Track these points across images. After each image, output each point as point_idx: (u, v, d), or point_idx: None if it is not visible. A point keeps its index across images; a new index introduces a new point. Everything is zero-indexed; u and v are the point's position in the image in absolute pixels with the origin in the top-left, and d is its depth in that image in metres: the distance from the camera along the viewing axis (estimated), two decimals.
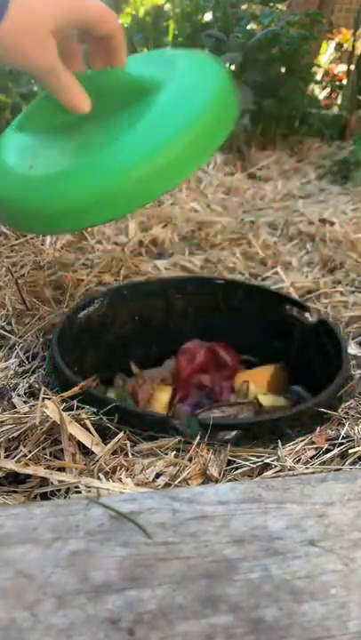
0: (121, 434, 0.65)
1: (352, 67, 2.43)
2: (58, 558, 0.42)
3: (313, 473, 0.63)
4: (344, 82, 2.60)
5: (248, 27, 2.20)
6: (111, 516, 0.46)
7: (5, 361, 0.84)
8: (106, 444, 0.64)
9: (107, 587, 0.40)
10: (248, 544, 0.44)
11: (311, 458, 0.66)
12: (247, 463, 0.65)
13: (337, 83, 2.67)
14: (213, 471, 0.61)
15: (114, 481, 0.58)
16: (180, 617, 0.38)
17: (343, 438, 0.69)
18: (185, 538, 0.44)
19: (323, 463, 0.65)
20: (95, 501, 0.47)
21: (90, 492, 0.56)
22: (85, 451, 0.64)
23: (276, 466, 0.64)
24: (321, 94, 2.71)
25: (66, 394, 0.70)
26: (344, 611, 0.40)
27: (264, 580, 0.41)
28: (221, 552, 0.43)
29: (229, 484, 0.51)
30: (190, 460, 0.63)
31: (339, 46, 3.20)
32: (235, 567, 0.42)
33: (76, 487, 0.57)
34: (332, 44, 3.20)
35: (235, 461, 0.65)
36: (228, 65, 2.13)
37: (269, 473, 0.64)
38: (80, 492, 0.56)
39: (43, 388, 0.74)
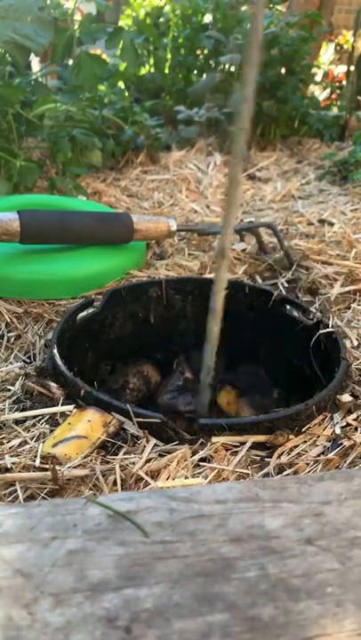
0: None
1: (352, 67, 2.43)
2: (55, 557, 0.42)
3: (310, 472, 0.63)
4: (344, 83, 2.61)
5: (247, 28, 2.20)
6: (109, 515, 0.46)
7: (5, 361, 0.84)
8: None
9: (104, 585, 0.40)
10: (245, 543, 0.44)
11: (309, 456, 0.66)
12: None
13: (337, 84, 2.67)
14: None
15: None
16: (177, 615, 0.38)
17: (342, 438, 0.69)
18: (182, 537, 0.44)
19: (320, 462, 0.65)
20: (93, 501, 0.47)
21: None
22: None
23: (274, 464, 0.64)
24: (321, 95, 2.71)
25: None
26: (340, 609, 0.40)
27: (261, 578, 0.41)
28: (218, 551, 0.43)
29: (227, 483, 0.51)
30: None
31: (339, 47, 3.20)
32: (232, 566, 0.42)
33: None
34: (332, 46, 3.20)
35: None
36: (227, 66, 2.14)
37: (267, 471, 0.64)
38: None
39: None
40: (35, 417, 0.71)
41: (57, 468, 0.60)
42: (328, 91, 2.69)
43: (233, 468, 0.63)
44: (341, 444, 0.68)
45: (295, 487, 0.50)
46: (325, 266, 1.16)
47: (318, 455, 0.66)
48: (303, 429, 0.70)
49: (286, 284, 1.11)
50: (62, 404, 0.73)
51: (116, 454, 0.65)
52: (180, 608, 0.39)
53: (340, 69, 2.98)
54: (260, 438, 0.68)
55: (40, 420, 0.71)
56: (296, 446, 0.68)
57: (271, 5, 2.30)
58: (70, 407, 0.71)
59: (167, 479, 0.61)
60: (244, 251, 1.25)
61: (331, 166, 1.87)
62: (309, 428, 0.71)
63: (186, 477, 0.61)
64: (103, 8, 1.71)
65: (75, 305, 0.93)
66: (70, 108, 1.58)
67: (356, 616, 0.39)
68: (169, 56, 2.34)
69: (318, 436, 0.70)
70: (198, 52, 2.33)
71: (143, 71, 2.39)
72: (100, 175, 1.73)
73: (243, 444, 0.67)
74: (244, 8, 2.34)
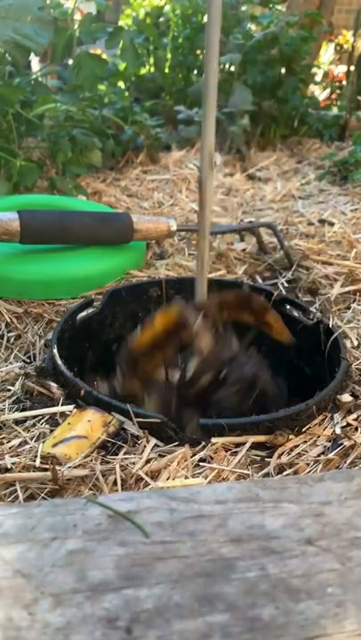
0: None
1: (352, 67, 2.43)
2: (56, 557, 0.42)
3: (310, 472, 0.63)
4: (344, 83, 2.61)
5: (247, 27, 2.20)
6: (109, 515, 0.46)
7: (5, 361, 0.84)
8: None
9: (104, 586, 0.40)
10: (245, 543, 0.44)
11: (309, 457, 0.66)
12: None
13: (337, 84, 2.67)
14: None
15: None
16: (177, 615, 0.38)
17: (342, 438, 0.69)
18: (182, 537, 0.44)
19: (321, 462, 0.65)
20: (93, 501, 0.47)
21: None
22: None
23: (274, 464, 0.64)
24: (321, 95, 2.71)
25: None
26: (340, 609, 0.40)
27: (261, 578, 0.41)
28: (219, 551, 0.43)
29: (227, 483, 0.51)
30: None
31: (339, 47, 3.20)
32: (232, 566, 0.42)
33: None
34: (332, 46, 3.20)
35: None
36: (227, 65, 2.14)
37: (267, 471, 0.64)
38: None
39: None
40: (35, 417, 0.71)
41: (57, 468, 0.60)
42: (328, 91, 2.69)
43: (233, 469, 0.63)
44: (342, 444, 0.68)
45: (295, 487, 0.50)
46: (325, 266, 1.16)
47: (318, 455, 0.66)
48: (303, 429, 0.70)
49: (286, 284, 1.11)
50: (62, 404, 0.73)
51: (116, 454, 0.65)
52: (180, 608, 0.39)
53: (341, 69, 2.98)
54: (261, 438, 0.68)
55: (40, 419, 0.71)
56: (296, 446, 0.68)
57: (271, 5, 2.30)
58: (70, 407, 0.71)
59: (167, 479, 0.61)
60: (244, 251, 1.25)
61: (331, 166, 1.87)
62: (310, 427, 0.71)
63: (186, 477, 0.61)
64: (103, 8, 1.72)
65: (75, 305, 0.93)
66: (70, 107, 1.58)
67: (356, 616, 0.39)
68: (169, 56, 2.33)
69: (318, 436, 0.69)
70: (198, 52, 2.33)
71: (143, 71, 2.38)
72: (100, 175, 1.73)
73: (243, 444, 0.67)
74: (243, 8, 2.35)
